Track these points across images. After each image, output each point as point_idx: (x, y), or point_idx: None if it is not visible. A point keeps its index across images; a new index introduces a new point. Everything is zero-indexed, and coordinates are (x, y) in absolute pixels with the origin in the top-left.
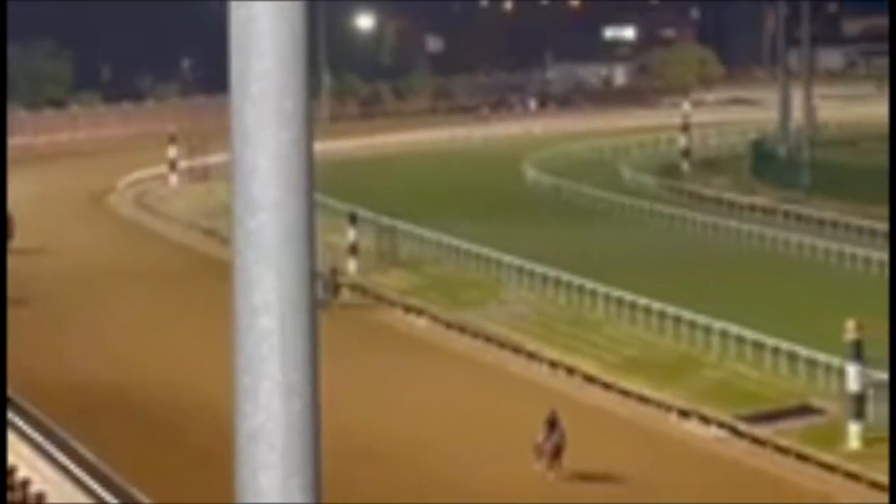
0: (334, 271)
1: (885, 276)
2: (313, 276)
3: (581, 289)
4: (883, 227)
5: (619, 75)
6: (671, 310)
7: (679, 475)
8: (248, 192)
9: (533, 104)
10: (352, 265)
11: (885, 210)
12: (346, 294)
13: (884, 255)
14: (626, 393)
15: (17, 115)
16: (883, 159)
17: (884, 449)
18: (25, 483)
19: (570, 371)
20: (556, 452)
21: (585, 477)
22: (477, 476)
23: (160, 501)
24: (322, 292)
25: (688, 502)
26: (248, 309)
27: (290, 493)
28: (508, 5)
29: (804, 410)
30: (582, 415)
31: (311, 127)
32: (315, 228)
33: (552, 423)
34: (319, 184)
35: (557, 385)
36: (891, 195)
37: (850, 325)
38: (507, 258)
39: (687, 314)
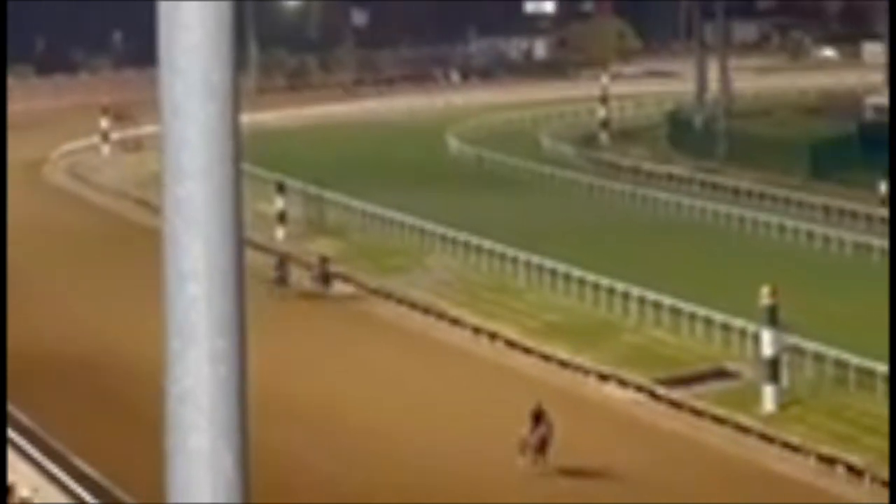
0: (324, 260)
1: (799, 243)
2: (241, 243)
3: (503, 256)
4: (797, 195)
5: (540, 49)
6: (591, 277)
7: (598, 437)
8: (176, 162)
9: (455, 77)
10: (280, 233)
11: (798, 179)
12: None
13: (798, 223)
14: (546, 357)
15: None
16: (796, 129)
17: (797, 411)
18: None
19: (493, 336)
20: (541, 446)
21: (567, 471)
22: (398, 430)
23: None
24: (312, 283)
25: (607, 464)
26: (177, 276)
27: (218, 454)
28: None
29: (720, 374)
30: (504, 379)
31: (236, 99)
32: (242, 197)
33: (537, 416)
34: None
35: (480, 350)
36: (891, 190)
37: (765, 291)
38: (431, 226)
39: (606, 281)
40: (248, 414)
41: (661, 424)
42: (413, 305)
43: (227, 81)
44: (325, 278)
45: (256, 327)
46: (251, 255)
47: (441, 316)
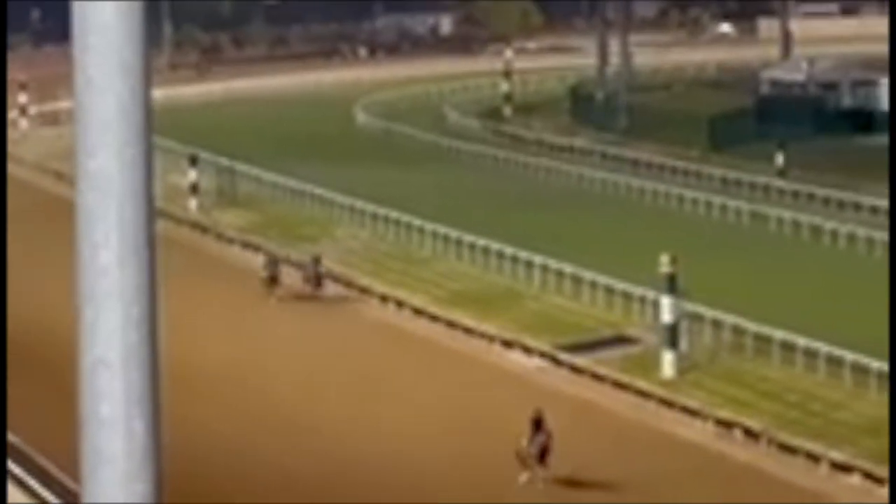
0: (317, 260)
1: (698, 213)
2: (153, 214)
3: (410, 226)
4: (695, 167)
5: (445, 24)
6: (495, 246)
7: (501, 403)
8: (90, 136)
9: (363, 53)
10: (192, 204)
11: (697, 151)
12: (330, 285)
13: (696, 194)
14: (452, 325)
15: None
16: (694, 103)
17: (695, 376)
18: None
19: (400, 304)
20: (542, 455)
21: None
22: (301, 395)
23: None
24: (304, 284)
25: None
26: (90, 245)
27: (131, 420)
28: None
29: (620, 340)
30: (411, 346)
31: (149, 75)
32: (154, 170)
33: (537, 424)
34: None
35: (387, 317)
36: (891, 183)
37: (665, 259)
38: (339, 197)
39: (510, 250)
40: (161, 381)
41: (564, 389)
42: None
43: (138, 58)
44: (318, 279)
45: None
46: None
47: (349, 285)
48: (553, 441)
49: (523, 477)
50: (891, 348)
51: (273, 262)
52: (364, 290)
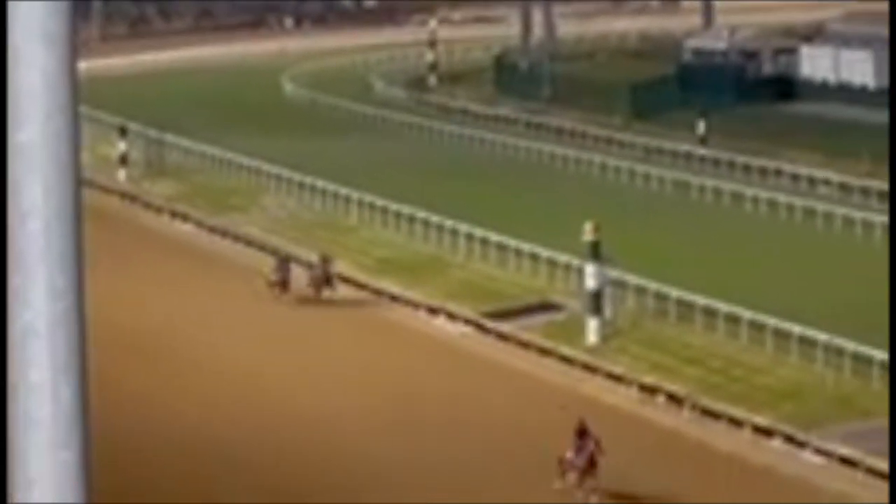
0: (326, 259)
1: (621, 181)
2: (79, 184)
3: (336, 195)
4: (618, 135)
5: None
6: (420, 214)
7: (429, 369)
8: (18, 108)
9: (289, 23)
10: (122, 174)
11: (620, 119)
12: (341, 289)
13: (619, 162)
14: (378, 292)
15: None
16: (617, 71)
17: (619, 342)
18: None
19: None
20: (590, 466)
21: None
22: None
23: None
24: (307, 287)
25: (436, 394)
26: (18, 214)
27: (58, 387)
28: None
29: (545, 307)
30: (337, 313)
31: (74, 46)
32: (80, 140)
33: (582, 433)
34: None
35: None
36: (891, 177)
37: (588, 227)
38: (267, 167)
39: (435, 218)
40: (88, 348)
41: (489, 356)
42: (249, 243)
43: (65, 29)
44: (328, 280)
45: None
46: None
47: (276, 253)
48: (601, 451)
49: (557, 485)
50: (891, 340)
51: (284, 265)
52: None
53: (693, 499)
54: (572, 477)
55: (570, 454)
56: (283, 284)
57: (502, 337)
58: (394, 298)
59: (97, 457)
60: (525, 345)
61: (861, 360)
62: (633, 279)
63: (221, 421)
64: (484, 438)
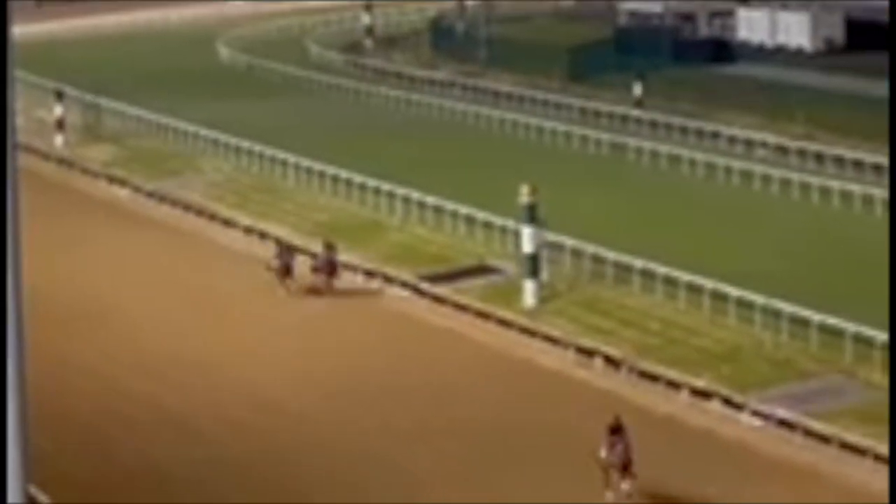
0: (330, 246)
1: (558, 143)
2: (13, 148)
3: (273, 159)
4: (555, 97)
5: None
6: (358, 178)
7: (365, 331)
8: None
9: None
10: (58, 139)
11: (556, 82)
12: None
13: (556, 125)
14: (315, 256)
15: None
16: (553, 34)
17: (556, 305)
18: None
19: (263, 236)
20: (627, 464)
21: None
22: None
23: None
24: (314, 276)
25: (374, 358)
26: None
27: None
28: None
29: (482, 270)
30: (274, 278)
31: (6, 10)
32: (14, 102)
33: (615, 431)
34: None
35: (251, 249)
36: (891, 173)
37: (525, 189)
38: (203, 131)
39: (372, 182)
40: (24, 318)
41: (427, 319)
42: (187, 207)
43: None
44: (332, 269)
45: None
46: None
47: (214, 217)
48: (633, 448)
49: (609, 497)
50: (890, 328)
51: (287, 251)
52: (227, 222)
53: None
54: (615, 476)
55: (603, 452)
56: (286, 271)
57: (439, 300)
58: None
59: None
60: (462, 308)
61: (798, 323)
62: (570, 241)
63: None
64: (419, 403)
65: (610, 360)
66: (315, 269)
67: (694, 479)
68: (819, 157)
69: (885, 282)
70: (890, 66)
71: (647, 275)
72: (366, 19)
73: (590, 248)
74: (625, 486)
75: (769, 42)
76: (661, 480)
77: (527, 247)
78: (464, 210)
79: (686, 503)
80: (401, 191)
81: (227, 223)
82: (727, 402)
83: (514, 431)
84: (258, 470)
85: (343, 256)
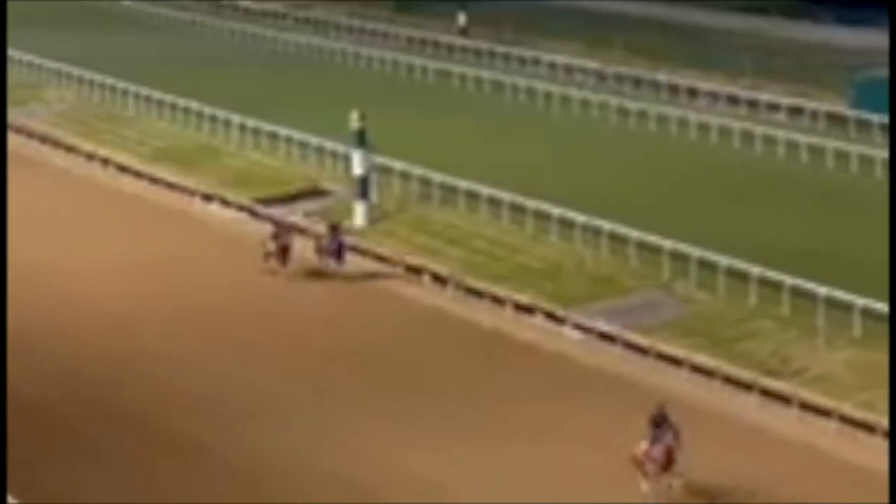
0: (335, 228)
1: (386, 71)
2: None
3: (114, 88)
4: (382, 27)
5: None
6: (195, 105)
7: (207, 251)
8: None
9: None
10: None
11: (384, 12)
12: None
13: (384, 53)
14: (155, 180)
15: None
16: None
17: (386, 226)
18: None
19: (105, 162)
20: (668, 460)
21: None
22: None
23: None
24: (322, 259)
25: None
26: None
27: None
28: None
29: (315, 193)
30: (119, 199)
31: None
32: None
33: (658, 422)
34: None
35: (94, 174)
36: (891, 179)
37: (354, 115)
38: (48, 63)
39: (208, 109)
40: None
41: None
42: (31, 134)
43: None
44: (339, 251)
45: None
46: None
47: (57, 144)
48: (680, 442)
49: (644, 487)
50: (891, 308)
51: (285, 231)
52: (70, 149)
53: (457, 371)
54: (653, 471)
55: (644, 445)
56: (284, 253)
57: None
58: (170, 186)
59: None
60: (300, 230)
61: (617, 240)
62: (398, 164)
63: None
64: (249, 323)
65: (437, 278)
66: (320, 251)
67: (518, 390)
68: (636, 82)
69: (701, 198)
70: (890, 65)
71: (473, 196)
72: None
73: (417, 171)
74: (667, 481)
75: None
76: (484, 390)
77: (357, 170)
78: (297, 135)
79: (508, 413)
80: (236, 117)
81: (70, 149)
82: (550, 316)
83: (350, 349)
84: None
85: (179, 180)
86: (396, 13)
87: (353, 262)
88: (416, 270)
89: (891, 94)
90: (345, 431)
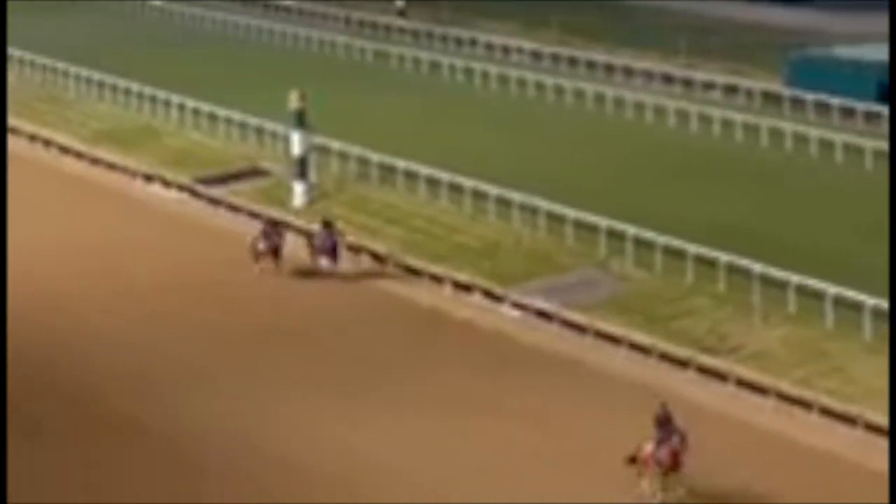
0: (328, 224)
1: (325, 52)
2: None
3: (55, 70)
4: (321, 8)
5: None
6: (135, 87)
7: (144, 234)
8: None
9: None
10: None
11: None
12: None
13: (323, 34)
14: (96, 161)
15: None
16: None
17: (324, 205)
18: None
19: (47, 143)
20: (674, 462)
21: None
22: None
23: None
24: (321, 260)
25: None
26: None
27: None
28: None
29: (254, 173)
30: (60, 180)
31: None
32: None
33: (662, 422)
34: None
35: (36, 155)
36: (891, 176)
37: (294, 95)
38: None
39: (148, 90)
40: None
41: (201, 219)
42: None
43: None
44: (333, 250)
45: None
46: None
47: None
48: (687, 444)
49: (644, 485)
50: (890, 304)
51: (275, 230)
52: (13, 130)
53: (396, 349)
54: (655, 471)
55: (649, 447)
56: (274, 252)
57: (214, 201)
58: (111, 167)
59: None
60: (235, 208)
61: (554, 219)
62: (336, 144)
63: None
64: (190, 298)
65: (376, 257)
66: (313, 250)
67: (455, 367)
68: (572, 62)
69: (638, 176)
70: (890, 67)
71: (411, 175)
72: None
73: (355, 151)
74: (672, 484)
75: None
76: (422, 367)
77: (296, 150)
78: (237, 116)
79: (445, 389)
80: (175, 98)
81: (12, 131)
82: (487, 294)
83: (291, 328)
84: None
85: (120, 160)
86: None
87: (288, 240)
88: (355, 249)
89: (891, 92)
90: (278, 406)
